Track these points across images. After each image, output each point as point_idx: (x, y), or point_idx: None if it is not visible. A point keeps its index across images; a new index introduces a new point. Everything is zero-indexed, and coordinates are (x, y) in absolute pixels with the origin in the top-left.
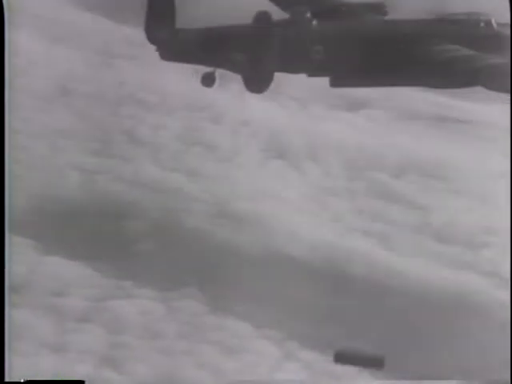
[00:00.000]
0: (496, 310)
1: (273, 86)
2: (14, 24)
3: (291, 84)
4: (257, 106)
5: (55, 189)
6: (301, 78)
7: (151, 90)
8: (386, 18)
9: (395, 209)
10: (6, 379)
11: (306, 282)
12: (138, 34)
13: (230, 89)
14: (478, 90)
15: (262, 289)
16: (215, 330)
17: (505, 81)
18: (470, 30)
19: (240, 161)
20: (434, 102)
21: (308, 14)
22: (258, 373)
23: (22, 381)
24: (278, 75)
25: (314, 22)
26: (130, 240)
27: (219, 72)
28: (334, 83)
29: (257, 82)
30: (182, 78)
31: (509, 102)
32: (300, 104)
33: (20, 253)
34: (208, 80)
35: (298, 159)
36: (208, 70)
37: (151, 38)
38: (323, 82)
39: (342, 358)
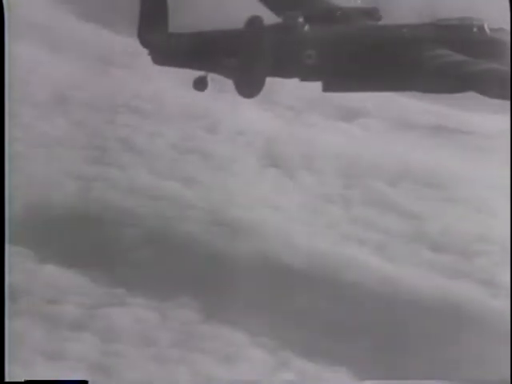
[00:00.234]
0: (491, 318)
1: (268, 93)
2: (14, 33)
3: (287, 93)
4: (252, 114)
5: (51, 196)
6: (296, 88)
7: (147, 98)
8: (379, 23)
9: (390, 217)
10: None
11: (301, 290)
12: (135, 43)
13: (225, 98)
14: (474, 98)
15: (256, 297)
16: (210, 338)
17: (498, 86)
18: (463, 35)
19: (236, 169)
20: (430, 111)
21: (301, 19)
22: (252, 381)
23: (22, 381)
24: (273, 83)
25: (307, 27)
26: (125, 248)
27: (215, 79)
28: (327, 88)
29: (248, 87)
30: (178, 86)
31: (503, 111)
32: (295, 113)
33: (16, 262)
34: (200, 84)
35: (294, 168)
36: (200, 74)
37: (144, 41)
38: (318, 91)
39: None
